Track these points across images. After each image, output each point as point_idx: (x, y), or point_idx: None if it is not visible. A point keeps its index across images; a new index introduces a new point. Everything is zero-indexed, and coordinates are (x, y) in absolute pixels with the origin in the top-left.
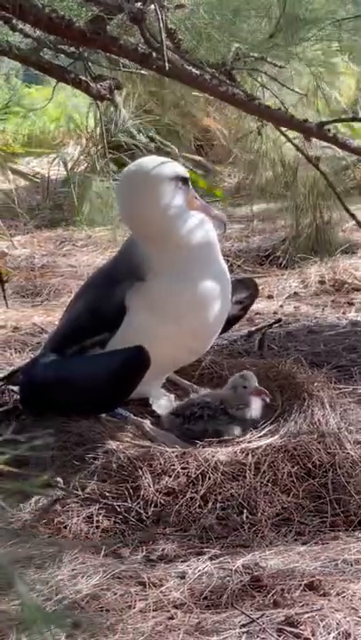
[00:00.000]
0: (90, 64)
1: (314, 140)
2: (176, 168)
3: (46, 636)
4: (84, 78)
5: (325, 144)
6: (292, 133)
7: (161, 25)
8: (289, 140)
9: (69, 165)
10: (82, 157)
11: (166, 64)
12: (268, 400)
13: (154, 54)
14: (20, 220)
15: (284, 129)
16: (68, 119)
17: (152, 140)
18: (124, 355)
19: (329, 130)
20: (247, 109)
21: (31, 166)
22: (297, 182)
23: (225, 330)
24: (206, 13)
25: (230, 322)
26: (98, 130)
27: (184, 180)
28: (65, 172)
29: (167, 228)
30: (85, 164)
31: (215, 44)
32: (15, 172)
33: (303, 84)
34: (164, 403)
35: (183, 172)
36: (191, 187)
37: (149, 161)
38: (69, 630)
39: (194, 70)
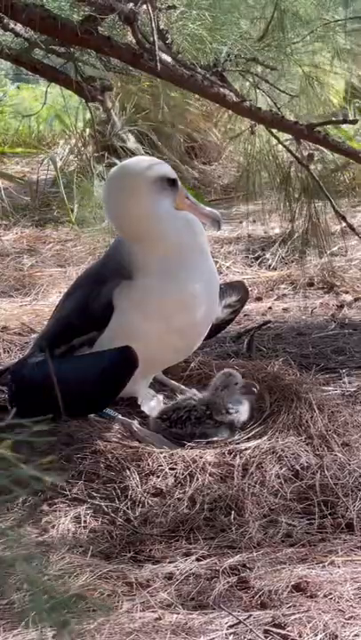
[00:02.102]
0: (81, 65)
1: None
2: (162, 169)
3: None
4: (75, 79)
5: None
6: (284, 134)
7: (153, 25)
8: (280, 141)
9: (59, 165)
10: (71, 158)
11: (158, 64)
12: (256, 390)
13: (145, 55)
14: (9, 220)
15: (275, 130)
16: (56, 120)
17: (141, 142)
18: (113, 355)
19: (320, 132)
20: (238, 111)
21: (20, 166)
22: (289, 183)
23: (214, 334)
24: (198, 15)
25: (220, 326)
26: (88, 131)
27: (171, 181)
28: (54, 173)
29: (153, 229)
30: (75, 165)
31: (207, 46)
32: (0, 173)
33: (294, 85)
34: (152, 403)
35: (170, 172)
36: (181, 187)
37: (135, 162)
38: (57, 629)
39: (185, 71)
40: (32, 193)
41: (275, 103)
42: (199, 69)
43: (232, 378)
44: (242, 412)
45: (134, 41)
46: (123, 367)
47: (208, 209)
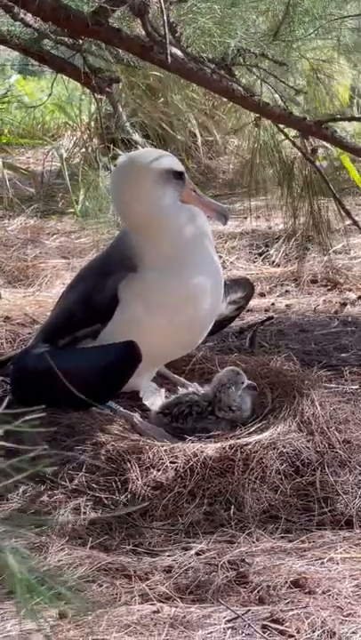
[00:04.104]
0: (89, 57)
1: None
2: (169, 161)
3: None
4: (84, 70)
5: None
6: (288, 130)
7: (164, 18)
8: (287, 137)
9: (64, 157)
10: (77, 149)
11: (169, 57)
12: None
13: (155, 47)
14: (13, 211)
15: (282, 126)
16: (62, 111)
17: (146, 136)
18: (116, 349)
19: (327, 128)
20: (246, 105)
21: (25, 157)
22: (292, 179)
23: (218, 330)
24: (207, 8)
25: (224, 323)
26: (93, 123)
27: (178, 174)
28: (60, 164)
29: (158, 222)
30: (80, 157)
31: (215, 39)
32: (5, 164)
33: (301, 80)
34: (154, 397)
35: (177, 165)
36: (188, 180)
37: (143, 153)
38: (55, 620)
39: (194, 65)
40: (37, 184)
41: (281, 98)
42: (208, 63)
43: (239, 377)
44: (244, 410)
45: (144, 33)
46: (126, 362)
47: (215, 202)
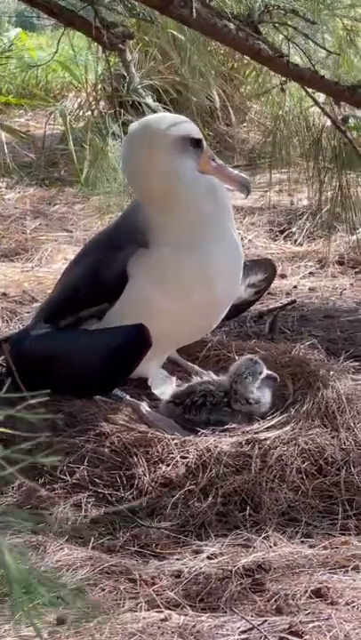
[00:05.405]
0: (101, 9)
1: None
2: (187, 127)
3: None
4: (95, 24)
5: None
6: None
7: None
8: (317, 103)
9: (68, 120)
10: (82, 112)
11: (194, 11)
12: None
13: (176, 0)
14: (11, 178)
15: (311, 90)
16: (67, 69)
17: (159, 99)
18: (124, 332)
19: None
20: (273, 67)
21: (25, 120)
22: (320, 150)
23: (235, 315)
24: None
25: (242, 307)
26: (101, 84)
27: (196, 142)
28: (63, 128)
29: (173, 194)
30: (86, 120)
31: None
32: (3, 127)
33: (332, 41)
34: (164, 385)
35: (195, 131)
36: (207, 148)
37: (158, 118)
38: (53, 627)
39: (218, 21)
40: (37, 149)
41: (310, 60)
42: (233, 20)
43: (257, 366)
44: (263, 403)
45: None
46: (135, 346)
47: (236, 172)
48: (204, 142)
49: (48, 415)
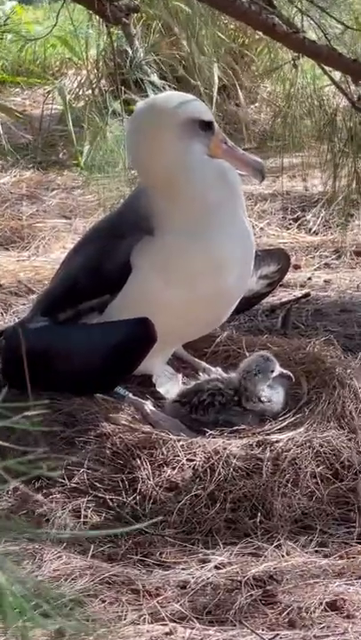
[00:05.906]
0: None
1: None
2: (196, 108)
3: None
4: None
5: None
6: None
7: None
8: (333, 81)
9: (67, 99)
10: (82, 91)
11: None
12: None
13: None
14: (6, 161)
15: (328, 68)
16: (66, 45)
17: (164, 77)
18: (127, 327)
19: None
20: (287, 43)
21: (21, 98)
22: (335, 132)
23: (245, 308)
24: None
25: (253, 300)
26: (102, 61)
27: (206, 124)
28: (62, 107)
29: (181, 179)
30: (86, 99)
31: None
32: None
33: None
34: (169, 383)
35: (205, 113)
36: (218, 130)
37: (165, 98)
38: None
39: None
40: (34, 130)
41: (325, 35)
42: None
43: (269, 363)
44: (275, 402)
45: None
46: (139, 342)
47: (249, 156)
48: (215, 124)
49: (45, 428)
